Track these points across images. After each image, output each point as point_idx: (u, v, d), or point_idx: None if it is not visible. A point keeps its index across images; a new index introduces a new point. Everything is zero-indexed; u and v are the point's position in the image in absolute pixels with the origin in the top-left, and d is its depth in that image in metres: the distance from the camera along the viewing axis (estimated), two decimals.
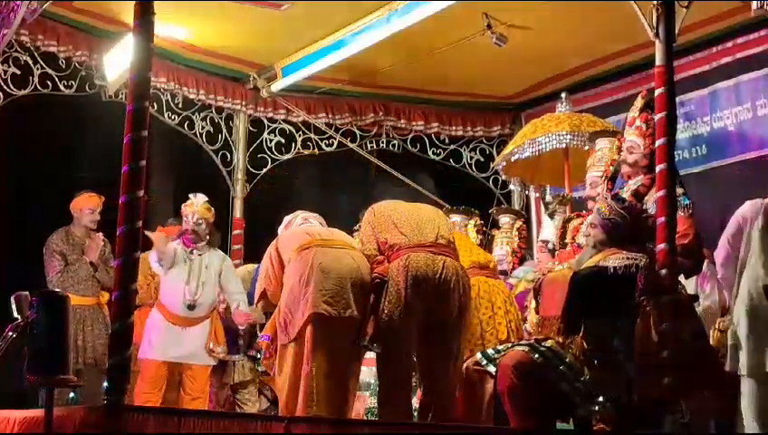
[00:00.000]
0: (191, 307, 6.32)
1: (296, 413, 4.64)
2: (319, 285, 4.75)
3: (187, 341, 6.31)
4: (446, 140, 9.34)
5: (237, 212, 8.62)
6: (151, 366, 6.20)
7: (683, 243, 4.55)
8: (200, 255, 6.42)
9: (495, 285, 5.62)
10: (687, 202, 4.77)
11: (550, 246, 6.16)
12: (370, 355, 5.37)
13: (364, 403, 5.98)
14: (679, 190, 4.69)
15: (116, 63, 7.22)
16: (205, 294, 6.36)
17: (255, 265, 6.66)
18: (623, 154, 5.05)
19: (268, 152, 8.90)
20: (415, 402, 5.20)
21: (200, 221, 6.44)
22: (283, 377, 4.86)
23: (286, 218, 5.50)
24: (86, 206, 6.89)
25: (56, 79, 7.51)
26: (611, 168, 5.25)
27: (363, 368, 5.79)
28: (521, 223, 7.14)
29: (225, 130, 8.80)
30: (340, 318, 4.74)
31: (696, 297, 5.29)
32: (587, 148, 6.05)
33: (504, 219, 7.12)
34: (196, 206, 6.46)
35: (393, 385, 4.83)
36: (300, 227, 5.31)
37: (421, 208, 5.18)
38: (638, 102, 5.04)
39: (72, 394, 6.57)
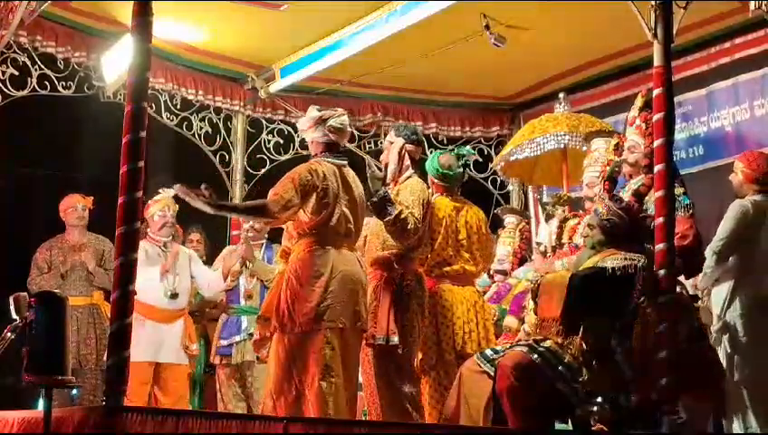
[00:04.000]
0: (174, 296, 6.50)
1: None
2: (340, 296, 4.81)
3: (171, 339, 6.44)
4: (445, 141, 9.33)
5: None
6: (140, 368, 6.18)
7: (683, 243, 4.55)
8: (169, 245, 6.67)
9: (459, 293, 5.60)
10: (687, 202, 4.76)
11: (542, 248, 6.16)
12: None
13: (361, 405, 5.97)
14: (679, 190, 4.69)
15: (114, 64, 7.22)
16: (182, 282, 6.58)
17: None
18: (625, 154, 5.04)
19: (267, 153, 8.90)
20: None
21: (173, 214, 6.69)
22: (272, 363, 4.92)
23: (312, 116, 5.06)
24: (69, 205, 6.94)
25: (54, 80, 7.50)
26: (608, 168, 5.25)
27: None
28: (524, 224, 7.14)
29: (223, 131, 8.80)
30: (352, 330, 4.88)
31: (696, 298, 5.29)
32: (585, 148, 6.05)
33: (509, 219, 7.12)
34: (170, 199, 6.61)
35: (403, 386, 5.08)
36: (334, 175, 4.93)
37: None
38: (638, 102, 5.03)
39: (74, 391, 6.62)
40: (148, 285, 6.34)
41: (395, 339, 4.99)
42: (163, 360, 6.44)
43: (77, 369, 6.60)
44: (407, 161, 5.35)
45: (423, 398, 5.39)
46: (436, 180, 5.75)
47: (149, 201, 6.66)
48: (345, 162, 5.07)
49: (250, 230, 6.78)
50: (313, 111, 5.09)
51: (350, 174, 5.07)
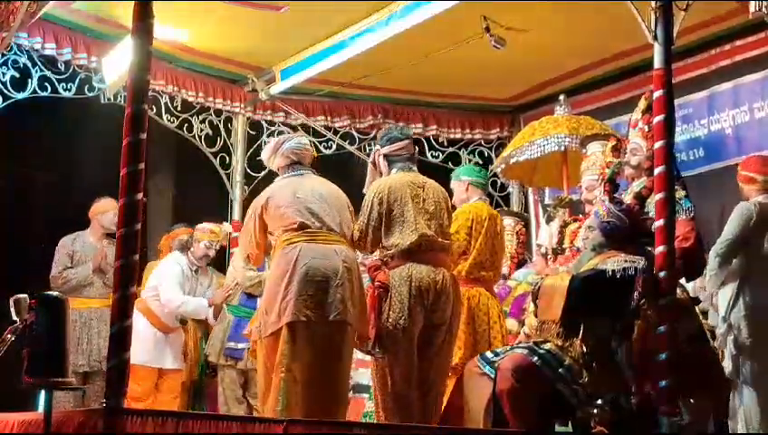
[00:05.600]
0: (183, 322, 6.77)
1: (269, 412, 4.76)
2: (301, 290, 4.79)
3: (173, 347, 6.55)
4: (445, 143, 9.35)
5: (236, 215, 8.61)
6: (144, 372, 6.29)
7: (684, 246, 4.54)
8: (203, 275, 6.82)
9: (493, 299, 5.70)
10: (689, 205, 4.75)
11: (542, 250, 6.17)
12: (369, 357, 5.37)
13: (362, 407, 5.97)
14: (681, 193, 4.68)
15: (115, 66, 7.22)
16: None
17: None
18: (627, 156, 5.03)
19: None
20: None
21: (218, 248, 6.80)
22: (259, 371, 5.04)
23: (270, 146, 5.32)
24: (110, 208, 6.90)
25: (55, 82, 7.51)
26: (608, 170, 5.25)
27: (362, 370, 5.79)
28: (520, 226, 7.15)
29: (223, 133, 8.80)
30: (323, 323, 4.82)
31: (697, 300, 5.30)
32: (583, 151, 6.07)
33: (506, 221, 7.13)
34: (222, 235, 6.72)
35: (399, 387, 4.92)
36: (290, 185, 5.09)
37: (432, 194, 5.21)
38: (641, 104, 5.01)
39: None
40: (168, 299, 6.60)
41: (369, 345, 4.95)
42: (168, 367, 6.58)
43: (97, 371, 6.65)
44: (382, 167, 5.29)
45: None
46: (473, 182, 5.86)
47: (203, 226, 6.75)
48: (303, 172, 5.20)
49: None
50: (270, 142, 5.34)
51: (317, 181, 5.19)
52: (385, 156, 5.27)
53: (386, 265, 5.00)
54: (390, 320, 4.90)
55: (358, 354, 5.45)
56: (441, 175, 9.12)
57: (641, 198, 4.82)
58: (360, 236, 5.09)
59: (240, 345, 6.73)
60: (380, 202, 5.05)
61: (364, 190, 5.31)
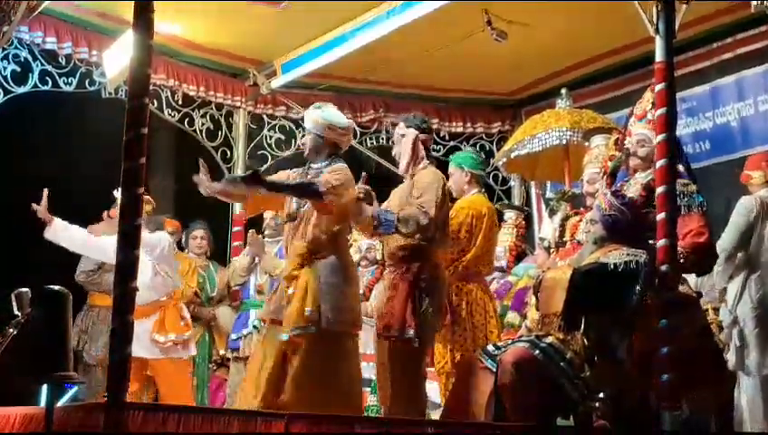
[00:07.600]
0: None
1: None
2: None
3: (140, 335, 6.26)
4: (446, 137, 9.34)
5: (237, 209, 8.61)
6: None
7: (698, 241, 4.52)
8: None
9: (487, 295, 5.71)
10: (701, 200, 4.73)
11: (545, 244, 6.17)
12: (371, 351, 5.37)
13: (365, 401, 5.97)
14: (693, 187, 4.66)
15: (116, 60, 7.22)
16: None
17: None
18: (632, 147, 4.98)
19: (268, 149, 8.90)
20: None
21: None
22: (302, 365, 4.91)
23: (347, 123, 5.11)
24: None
25: (56, 76, 7.51)
26: (611, 163, 5.23)
27: (364, 364, 5.79)
28: (521, 220, 7.15)
29: (225, 127, 8.80)
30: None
31: (700, 294, 5.29)
32: (587, 144, 6.06)
33: (508, 214, 7.14)
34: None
35: (418, 381, 5.00)
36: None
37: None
38: (649, 95, 4.97)
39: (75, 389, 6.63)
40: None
41: (410, 332, 4.87)
42: (138, 355, 6.37)
43: None
44: (421, 152, 5.16)
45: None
46: (476, 175, 5.82)
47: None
48: None
49: (268, 228, 7.01)
50: (345, 117, 5.21)
51: None
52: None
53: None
54: (432, 310, 4.95)
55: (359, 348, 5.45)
56: (442, 170, 9.16)
57: (650, 190, 4.78)
58: (429, 219, 4.88)
59: (232, 336, 6.79)
60: (446, 198, 5.10)
61: (400, 170, 5.18)
